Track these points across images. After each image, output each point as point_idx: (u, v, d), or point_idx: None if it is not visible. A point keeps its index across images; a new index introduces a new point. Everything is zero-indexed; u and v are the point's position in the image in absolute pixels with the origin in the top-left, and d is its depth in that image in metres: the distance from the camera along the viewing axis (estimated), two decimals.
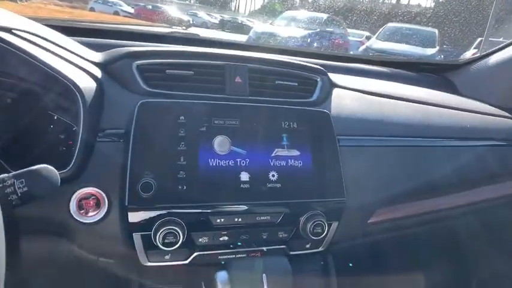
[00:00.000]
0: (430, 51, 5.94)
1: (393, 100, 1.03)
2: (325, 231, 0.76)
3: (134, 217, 0.66)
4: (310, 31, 6.39)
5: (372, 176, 0.86)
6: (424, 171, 0.94)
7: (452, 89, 1.37)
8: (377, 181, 0.86)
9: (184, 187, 0.68)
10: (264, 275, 0.61)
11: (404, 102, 1.04)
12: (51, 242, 0.72)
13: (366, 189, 0.84)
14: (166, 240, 0.66)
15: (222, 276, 0.62)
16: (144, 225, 0.67)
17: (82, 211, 0.67)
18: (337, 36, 6.82)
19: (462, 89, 1.37)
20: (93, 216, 0.67)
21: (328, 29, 6.73)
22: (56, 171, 0.53)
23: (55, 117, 0.76)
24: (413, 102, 1.05)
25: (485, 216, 1.09)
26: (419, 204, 0.97)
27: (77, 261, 0.74)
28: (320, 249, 0.81)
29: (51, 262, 0.74)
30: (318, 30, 6.49)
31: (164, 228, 0.65)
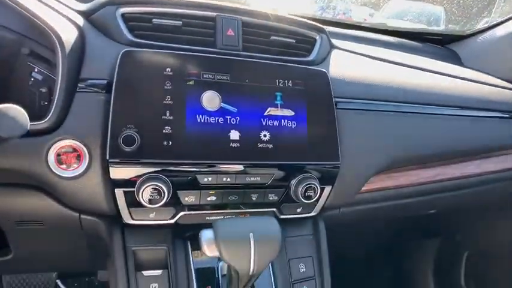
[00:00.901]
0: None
1: (394, 65, 0.99)
2: (317, 195, 0.73)
3: (116, 172, 0.63)
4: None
5: (369, 142, 0.82)
6: (422, 139, 0.90)
7: (456, 60, 1.32)
8: (374, 147, 0.83)
9: (170, 143, 0.64)
10: (251, 234, 0.58)
11: (406, 68, 1.00)
12: (32, 196, 0.69)
13: (361, 154, 0.81)
14: (150, 197, 0.62)
15: (206, 234, 0.59)
16: (127, 181, 0.63)
17: (63, 166, 0.63)
18: (340, 12, 6.65)
19: (467, 61, 1.32)
20: (73, 170, 0.64)
21: (330, 4, 6.56)
22: (25, 112, 0.49)
23: (35, 69, 0.71)
24: (415, 69, 1.01)
25: (482, 190, 1.06)
26: (415, 174, 0.94)
27: (58, 218, 0.71)
28: (311, 214, 0.79)
29: (33, 217, 0.71)
30: (320, 4, 6.31)
31: (148, 185, 0.62)
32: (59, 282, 1.65)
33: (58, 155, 0.63)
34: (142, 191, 0.62)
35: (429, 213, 1.23)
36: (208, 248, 0.59)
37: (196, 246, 0.72)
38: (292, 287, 0.73)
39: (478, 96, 1.01)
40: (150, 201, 0.62)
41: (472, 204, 1.10)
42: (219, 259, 0.72)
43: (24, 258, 0.89)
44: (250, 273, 0.57)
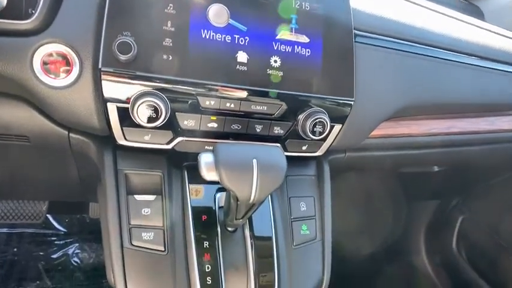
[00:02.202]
0: None
1: (419, 7, 0.91)
2: (326, 133, 0.67)
3: (109, 84, 0.56)
4: None
5: (386, 82, 0.76)
6: (439, 87, 0.84)
7: (479, 16, 1.24)
8: (390, 88, 0.77)
9: (170, 57, 0.58)
10: (254, 160, 0.53)
11: (431, 11, 0.92)
12: (18, 108, 0.63)
13: (376, 94, 0.75)
14: (145, 115, 0.57)
15: (206, 157, 0.54)
16: (120, 94, 0.57)
17: (51, 75, 0.57)
18: None
19: (490, 17, 1.25)
20: (62, 79, 0.57)
21: None
22: None
23: None
24: (439, 13, 0.93)
25: (493, 149, 1.02)
26: (426, 124, 0.89)
27: (46, 135, 0.66)
28: (317, 153, 0.74)
29: (18, 131, 0.65)
30: None
31: (144, 101, 0.56)
32: (49, 217, 1.63)
33: (45, 63, 0.56)
34: (138, 107, 0.56)
35: (433, 171, 1.20)
36: (208, 171, 0.54)
37: (194, 178, 0.68)
38: (291, 225, 0.70)
39: (499, 48, 0.94)
40: (146, 119, 0.57)
41: (481, 163, 1.07)
42: (217, 190, 0.68)
43: (15, 181, 0.85)
44: (251, 201, 0.53)
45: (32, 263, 1.51)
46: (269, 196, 0.70)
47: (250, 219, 0.67)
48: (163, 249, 0.61)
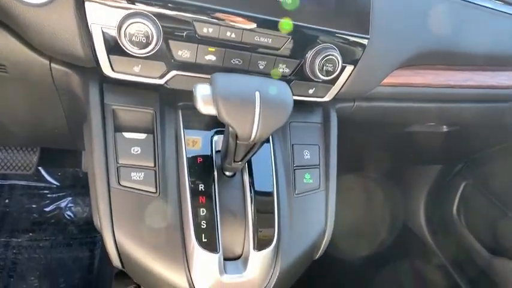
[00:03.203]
0: None
1: None
2: (337, 73, 0.61)
3: (92, 2, 0.49)
4: None
5: (405, 23, 0.68)
6: (461, 33, 0.77)
7: None
8: (409, 30, 0.69)
9: None
10: (257, 93, 0.47)
11: None
12: None
13: (394, 35, 0.68)
14: (134, 39, 0.50)
15: (203, 89, 0.48)
16: (106, 15, 0.50)
17: None
18: None
19: None
20: None
21: None
22: None
23: None
24: None
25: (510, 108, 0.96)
26: (443, 74, 0.82)
27: (25, 65, 0.59)
28: (324, 99, 0.67)
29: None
30: None
31: (133, 21, 0.49)
32: (41, 170, 1.59)
33: None
34: (125, 30, 0.49)
35: (441, 131, 1.14)
36: (204, 104, 0.48)
37: (189, 121, 0.61)
38: (294, 173, 0.65)
39: None
40: (134, 44, 0.50)
41: (497, 122, 1.01)
42: (215, 133, 0.62)
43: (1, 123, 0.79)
44: (251, 139, 0.47)
45: (24, 215, 1.48)
46: (270, 141, 0.65)
47: (249, 165, 0.62)
48: (154, 191, 0.56)
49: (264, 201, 0.60)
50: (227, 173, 0.60)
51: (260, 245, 0.56)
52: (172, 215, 0.55)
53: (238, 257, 0.57)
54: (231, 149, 0.52)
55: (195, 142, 0.60)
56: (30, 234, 1.44)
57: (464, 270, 1.51)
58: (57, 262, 1.37)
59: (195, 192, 0.56)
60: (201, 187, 0.57)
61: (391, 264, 1.73)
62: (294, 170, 0.65)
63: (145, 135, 0.58)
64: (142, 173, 0.56)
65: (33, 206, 1.51)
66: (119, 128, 0.57)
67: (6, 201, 1.50)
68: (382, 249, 1.73)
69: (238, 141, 0.50)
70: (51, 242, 1.43)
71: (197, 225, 0.54)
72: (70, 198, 1.56)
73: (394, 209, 1.74)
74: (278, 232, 0.58)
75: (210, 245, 0.54)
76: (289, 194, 0.63)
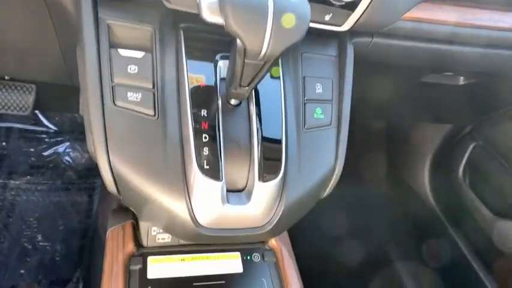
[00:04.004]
0: None
1: None
2: None
3: None
4: None
5: None
6: None
7: None
8: None
9: None
10: (270, 1, 0.41)
11: None
12: None
13: None
14: None
15: None
16: None
17: None
18: None
19: None
20: None
21: None
22: None
23: None
24: None
25: None
26: (471, 12, 0.75)
27: None
28: (342, 28, 0.61)
29: None
30: None
31: None
32: (39, 114, 1.55)
33: None
34: None
35: (458, 84, 1.08)
36: (210, 12, 0.42)
37: (191, 45, 0.55)
38: (304, 107, 0.60)
39: None
40: None
41: None
42: (220, 59, 0.57)
43: None
44: (262, 53, 0.42)
45: (22, 158, 1.46)
46: (280, 72, 0.59)
47: (257, 95, 0.57)
48: (152, 114, 0.51)
49: (270, 133, 0.55)
50: (232, 102, 0.55)
51: (266, 176, 0.52)
52: (172, 140, 0.51)
53: (242, 190, 0.54)
54: (237, 71, 0.47)
55: (197, 66, 0.55)
56: (29, 177, 1.42)
57: (466, 231, 1.50)
58: (56, 206, 1.36)
59: (197, 118, 0.52)
60: (204, 113, 0.52)
61: (390, 223, 1.73)
62: (305, 103, 0.60)
63: (144, 53, 0.52)
64: (140, 94, 0.51)
65: (31, 149, 1.48)
66: (114, 44, 0.52)
67: (3, 143, 1.47)
68: (381, 207, 1.72)
69: (246, 60, 0.44)
70: (50, 186, 1.41)
71: (199, 151, 0.50)
72: (68, 144, 1.52)
73: (397, 166, 1.71)
74: (285, 164, 0.54)
75: (213, 173, 0.50)
76: (298, 128, 0.59)
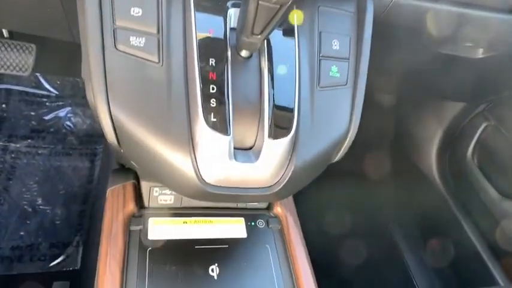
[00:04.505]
0: None
1: None
2: None
3: None
4: None
5: None
6: None
7: None
8: None
9: None
10: None
11: None
12: None
13: None
14: None
15: None
16: None
17: None
18: None
19: None
20: None
21: None
22: None
23: None
24: None
25: None
26: None
27: None
28: None
29: None
30: None
31: None
32: (40, 77, 1.51)
33: None
34: None
35: (476, 57, 1.03)
36: None
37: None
38: (319, 63, 0.56)
39: None
40: None
41: None
42: (231, 6, 0.52)
43: None
44: None
45: (22, 121, 1.43)
46: (295, 26, 0.55)
47: (269, 47, 0.52)
48: (156, 60, 0.47)
49: (282, 89, 0.51)
50: (243, 54, 0.51)
51: (276, 133, 0.49)
52: (177, 89, 0.47)
53: (250, 149, 0.51)
54: (250, 15, 0.43)
55: (206, 12, 0.51)
56: (29, 140, 1.39)
57: (471, 212, 1.48)
58: (56, 170, 1.34)
59: (204, 67, 0.48)
60: (212, 62, 0.48)
61: (395, 203, 1.71)
62: (320, 60, 0.56)
63: None
64: (143, 39, 0.47)
65: (32, 113, 1.45)
66: None
67: (3, 106, 1.44)
68: (384, 185, 1.70)
69: (260, 1, 0.40)
70: (50, 151, 1.39)
71: (206, 103, 0.46)
72: (69, 108, 1.49)
73: (403, 144, 1.68)
74: (297, 123, 0.51)
75: (220, 126, 0.46)
76: (312, 86, 0.55)
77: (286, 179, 0.50)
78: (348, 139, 0.57)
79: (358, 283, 1.40)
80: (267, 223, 0.71)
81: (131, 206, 0.64)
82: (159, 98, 0.46)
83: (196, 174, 0.47)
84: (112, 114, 0.46)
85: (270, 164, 0.49)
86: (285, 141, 0.49)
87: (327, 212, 1.50)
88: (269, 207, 0.75)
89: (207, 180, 0.47)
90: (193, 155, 0.46)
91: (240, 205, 0.72)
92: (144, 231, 0.63)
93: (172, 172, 0.47)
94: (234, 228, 0.68)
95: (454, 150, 1.55)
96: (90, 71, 0.46)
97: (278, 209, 0.73)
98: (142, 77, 0.46)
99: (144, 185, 0.64)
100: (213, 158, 0.46)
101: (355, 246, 1.50)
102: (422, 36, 0.88)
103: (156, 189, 0.65)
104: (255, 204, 0.72)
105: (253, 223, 0.70)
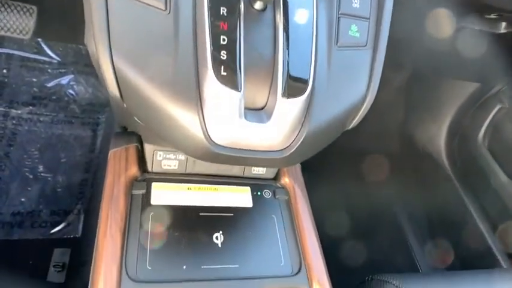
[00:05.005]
0: None
1: None
2: None
3: None
4: None
5: None
6: None
7: None
8: None
9: None
10: None
11: None
12: None
13: None
14: None
15: None
16: None
17: None
18: None
19: None
20: None
21: None
22: None
23: None
24: None
25: None
26: None
27: None
28: None
29: None
30: None
31: None
32: (41, 43, 1.47)
33: None
34: None
35: (498, 32, 0.98)
36: None
37: None
38: (338, 21, 0.51)
39: None
40: None
41: None
42: None
43: None
44: None
45: (24, 88, 1.39)
46: None
47: (285, 1, 0.48)
48: (163, 7, 0.43)
49: (298, 45, 0.48)
50: (256, 6, 0.47)
51: (290, 92, 0.46)
52: (184, 39, 0.43)
53: (261, 109, 0.47)
54: None
55: None
56: (31, 107, 1.36)
57: (478, 195, 1.46)
58: (58, 138, 1.32)
59: (215, 16, 0.44)
60: (223, 11, 0.45)
61: (400, 182, 1.68)
62: (339, 17, 0.52)
63: None
64: None
65: (34, 80, 1.41)
66: None
67: (4, 71, 1.40)
68: (391, 165, 1.68)
69: None
70: (52, 118, 1.36)
71: (216, 55, 0.43)
72: (72, 76, 1.45)
73: (413, 126, 1.64)
74: (313, 82, 0.47)
75: (230, 81, 0.43)
76: (330, 44, 0.51)
77: (299, 143, 0.47)
78: (364, 106, 0.54)
79: (361, 261, 1.39)
80: (274, 193, 0.68)
81: (134, 170, 0.62)
82: (165, 48, 0.43)
83: (203, 133, 0.43)
84: (114, 64, 0.43)
85: (282, 125, 0.46)
86: (299, 101, 0.46)
87: (331, 191, 1.48)
88: (276, 178, 0.72)
89: (215, 140, 0.44)
90: (200, 112, 0.43)
91: (246, 174, 0.69)
92: (147, 195, 0.60)
93: (177, 130, 0.44)
94: (239, 197, 0.66)
95: (465, 133, 1.51)
96: (91, 15, 0.42)
97: (286, 180, 0.71)
98: (147, 25, 0.43)
99: (148, 148, 0.62)
100: (222, 115, 0.43)
101: (359, 225, 1.48)
102: (447, 4, 0.83)
103: (160, 153, 0.62)
104: (262, 174, 0.70)
105: (259, 193, 0.68)
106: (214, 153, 0.45)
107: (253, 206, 0.65)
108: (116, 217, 0.56)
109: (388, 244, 1.52)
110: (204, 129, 0.44)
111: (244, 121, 0.44)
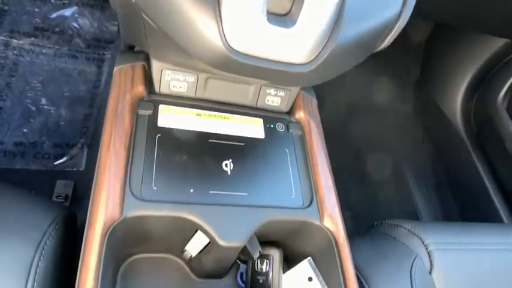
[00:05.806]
0: None
1: None
2: None
3: None
4: None
5: None
6: None
7: None
8: None
9: None
10: None
11: None
12: None
13: None
14: None
15: None
16: None
17: None
18: None
19: None
20: None
21: None
22: None
23: None
24: None
25: None
26: None
27: None
28: None
29: None
30: None
31: None
32: None
33: None
34: None
35: None
36: None
37: None
38: None
39: None
40: None
41: None
42: None
43: None
44: None
45: (25, 17, 1.32)
46: None
47: None
48: None
49: None
50: None
51: None
52: None
53: (285, 15, 0.42)
54: None
55: None
56: (33, 38, 1.30)
57: (489, 155, 1.42)
58: (61, 72, 1.27)
59: None
60: None
61: (411, 142, 1.65)
62: None
63: None
64: None
65: (35, 9, 1.34)
66: None
67: None
68: (403, 119, 1.63)
69: None
70: (55, 51, 1.30)
71: None
72: (76, 8, 1.38)
73: (429, 82, 1.57)
74: None
75: None
76: None
77: (325, 56, 0.42)
78: (398, 24, 0.48)
79: (363, 208, 1.39)
80: (287, 127, 0.65)
81: (140, 88, 0.58)
82: None
83: (220, 34, 0.39)
84: None
85: (308, 32, 0.41)
86: (329, 6, 0.40)
87: (340, 152, 1.45)
88: (290, 112, 0.68)
89: (232, 44, 0.40)
90: (218, 11, 0.38)
91: (260, 105, 0.65)
92: (154, 117, 0.57)
93: (191, 30, 0.39)
94: (251, 127, 0.62)
95: (484, 92, 1.44)
96: None
97: (300, 114, 0.67)
98: None
99: (155, 66, 0.57)
100: (241, 16, 0.38)
101: (366, 178, 1.47)
102: None
103: (168, 72, 0.58)
104: (276, 106, 0.66)
105: (272, 125, 0.64)
106: (231, 60, 0.40)
107: (265, 138, 0.62)
108: (120, 133, 0.52)
109: (392, 195, 1.51)
110: (221, 30, 0.39)
111: (266, 23, 0.39)
